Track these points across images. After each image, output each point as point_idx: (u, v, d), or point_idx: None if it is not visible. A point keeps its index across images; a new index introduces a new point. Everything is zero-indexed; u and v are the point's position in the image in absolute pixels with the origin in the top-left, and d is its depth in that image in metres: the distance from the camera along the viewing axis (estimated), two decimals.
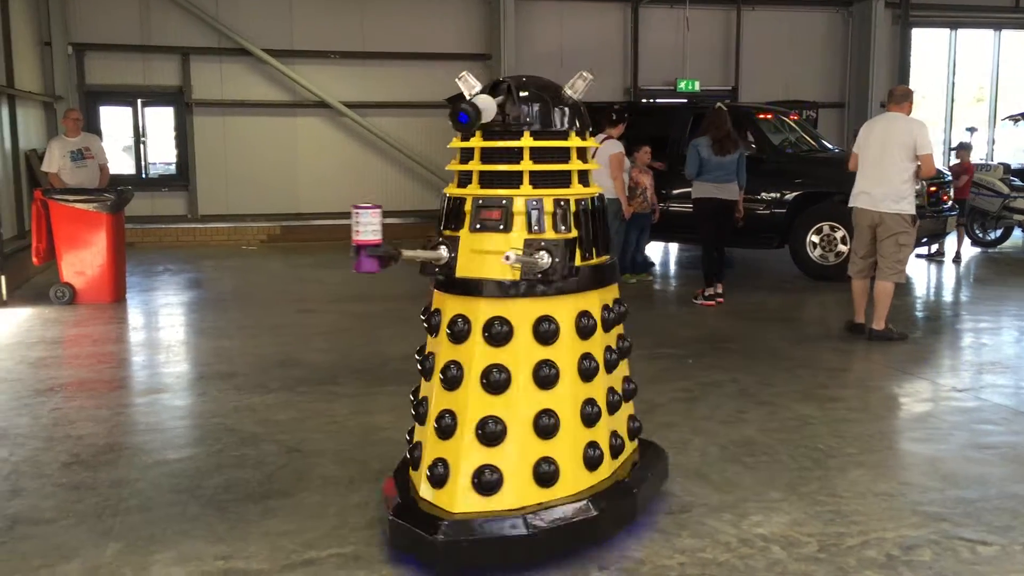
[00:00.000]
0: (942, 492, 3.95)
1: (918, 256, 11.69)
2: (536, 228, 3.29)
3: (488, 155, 3.38)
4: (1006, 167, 13.39)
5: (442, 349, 3.38)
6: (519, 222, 3.30)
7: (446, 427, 3.28)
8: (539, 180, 3.34)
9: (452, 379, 3.30)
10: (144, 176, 14.60)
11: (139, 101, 14.44)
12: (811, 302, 8.98)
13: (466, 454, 3.23)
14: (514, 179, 3.33)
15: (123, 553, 3.36)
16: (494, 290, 3.27)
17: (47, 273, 9.64)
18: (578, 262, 3.32)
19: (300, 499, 3.88)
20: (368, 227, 3.19)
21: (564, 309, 3.32)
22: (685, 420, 5.01)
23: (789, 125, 11.32)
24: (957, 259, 11.75)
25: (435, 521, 3.13)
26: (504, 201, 3.31)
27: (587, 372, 3.35)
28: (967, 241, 12.35)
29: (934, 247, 11.75)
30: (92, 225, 8.50)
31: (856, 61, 16.60)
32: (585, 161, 3.52)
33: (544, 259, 3.22)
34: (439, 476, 3.25)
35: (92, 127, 12.85)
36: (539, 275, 3.23)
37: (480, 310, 3.28)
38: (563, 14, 15.61)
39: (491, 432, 3.21)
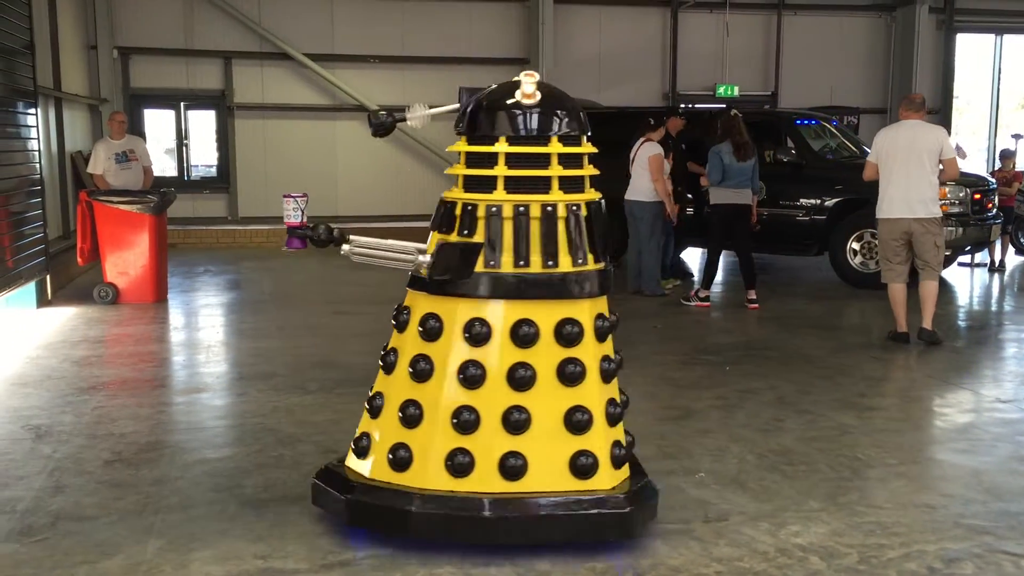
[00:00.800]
0: (985, 505, 3.89)
1: (961, 264, 11.51)
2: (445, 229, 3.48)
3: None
4: None
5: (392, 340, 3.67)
6: (455, 224, 3.45)
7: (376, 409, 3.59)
8: (470, 184, 3.46)
9: (389, 365, 3.60)
10: (186, 178, 14.80)
11: (182, 104, 14.65)
12: (851, 310, 8.88)
13: (388, 433, 3.48)
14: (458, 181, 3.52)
15: (163, 551, 3.41)
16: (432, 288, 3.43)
17: (91, 273, 9.80)
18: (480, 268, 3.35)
19: None
20: (294, 212, 3.77)
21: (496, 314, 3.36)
22: (722, 427, 4.97)
23: (830, 131, 11.21)
24: (1001, 267, 11.53)
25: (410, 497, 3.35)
26: (448, 204, 3.51)
27: (521, 381, 3.32)
28: (1011, 250, 12.13)
29: (978, 256, 11.57)
30: (136, 226, 8.63)
31: (899, 67, 16.38)
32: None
33: (420, 258, 3.39)
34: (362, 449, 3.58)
35: (136, 130, 13.05)
36: (424, 273, 3.40)
37: (418, 306, 3.50)
38: (602, 18, 15.58)
39: (411, 415, 3.40)
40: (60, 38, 11.12)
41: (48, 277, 8.72)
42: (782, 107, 15.55)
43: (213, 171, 14.96)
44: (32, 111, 8.63)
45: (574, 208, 3.42)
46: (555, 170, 3.41)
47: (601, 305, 3.52)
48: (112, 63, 13.66)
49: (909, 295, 7.14)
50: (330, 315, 8.42)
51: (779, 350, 6.95)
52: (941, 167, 6.93)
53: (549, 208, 3.36)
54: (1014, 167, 11.88)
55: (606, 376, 3.48)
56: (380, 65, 14.78)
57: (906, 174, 6.87)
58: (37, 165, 8.67)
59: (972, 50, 17.64)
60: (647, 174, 9.00)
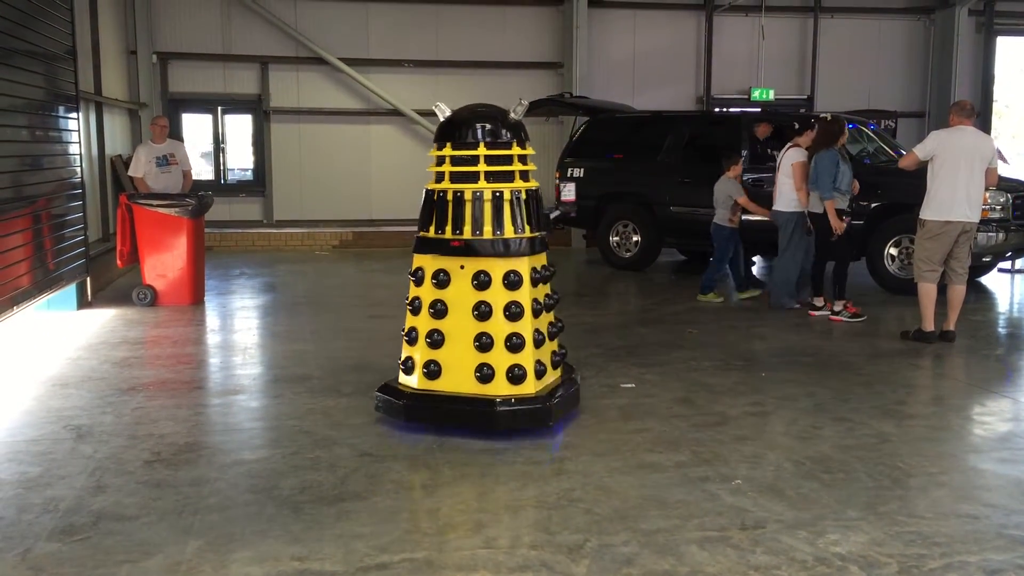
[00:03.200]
0: None
1: (1001, 271, 11.34)
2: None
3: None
4: None
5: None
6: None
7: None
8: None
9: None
10: (223, 182, 14.95)
11: (219, 108, 14.80)
12: (888, 316, 8.76)
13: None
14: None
15: (203, 550, 3.44)
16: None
17: (130, 275, 9.94)
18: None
19: (373, 502, 3.92)
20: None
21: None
22: (759, 434, 4.93)
23: (867, 135, 11.08)
24: None
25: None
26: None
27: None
28: None
29: (1019, 262, 11.37)
30: (174, 229, 8.73)
31: (937, 70, 16.17)
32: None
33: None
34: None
35: (174, 133, 13.21)
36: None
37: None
38: (636, 22, 15.54)
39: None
40: (101, 43, 11.29)
41: (88, 279, 8.85)
42: (818, 110, 15.41)
43: (249, 175, 15.10)
44: (73, 115, 8.77)
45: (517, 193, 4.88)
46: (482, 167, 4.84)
47: (537, 261, 4.97)
48: (151, 68, 13.85)
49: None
50: (365, 318, 8.46)
51: (816, 356, 6.88)
52: None
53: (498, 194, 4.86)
54: None
55: (536, 312, 4.86)
56: (414, 70, 14.84)
57: (968, 179, 7.08)
58: (78, 169, 8.80)
59: (1012, 53, 17.38)
60: (790, 181, 8.57)
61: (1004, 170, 8.60)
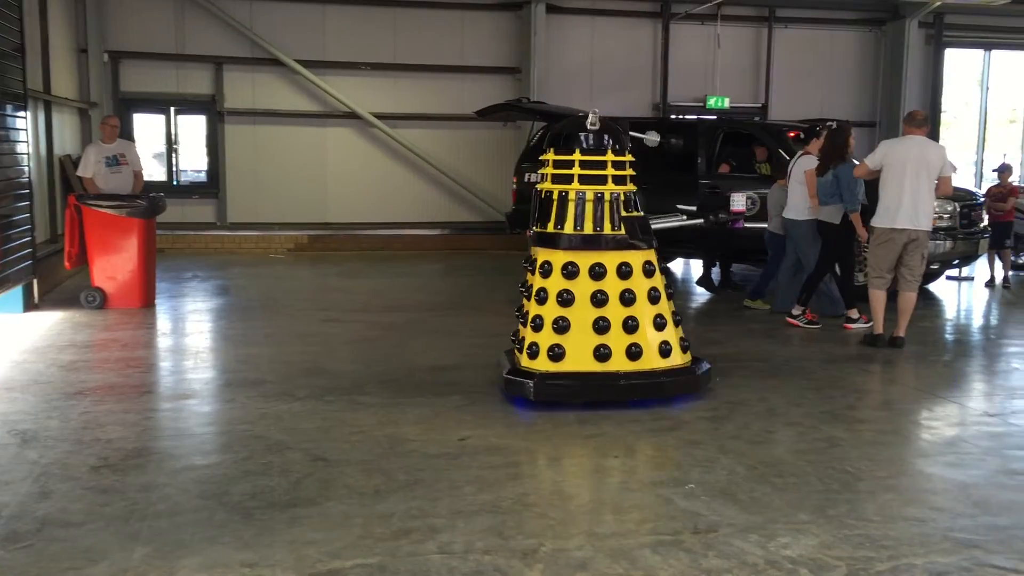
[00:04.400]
0: (974, 518, 3.89)
1: (949, 278, 11.56)
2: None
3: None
4: None
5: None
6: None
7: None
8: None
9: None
10: (175, 183, 14.74)
11: (172, 109, 14.59)
12: (840, 321, 8.88)
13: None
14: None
15: (150, 557, 3.38)
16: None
17: (78, 277, 9.75)
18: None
19: (326, 508, 3.88)
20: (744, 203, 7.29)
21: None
22: (712, 439, 4.97)
23: None
24: (1005, 284, 11.32)
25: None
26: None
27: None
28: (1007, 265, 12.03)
29: (965, 269, 11.60)
30: (124, 231, 8.59)
31: (888, 80, 16.48)
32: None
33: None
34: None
35: (125, 134, 12.99)
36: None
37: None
38: (594, 28, 15.62)
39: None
40: (50, 41, 11.09)
41: (35, 281, 8.66)
42: (772, 119, 15.62)
43: (203, 176, 14.90)
44: (21, 114, 8.58)
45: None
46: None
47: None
48: (102, 66, 13.61)
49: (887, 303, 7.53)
50: (319, 322, 8.39)
51: (768, 361, 6.96)
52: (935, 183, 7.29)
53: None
54: (1011, 182, 11.78)
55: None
56: (372, 72, 14.78)
57: (915, 187, 7.22)
58: (26, 168, 8.61)
59: (960, 65, 17.77)
60: (804, 189, 8.42)
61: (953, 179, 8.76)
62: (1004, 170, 11.78)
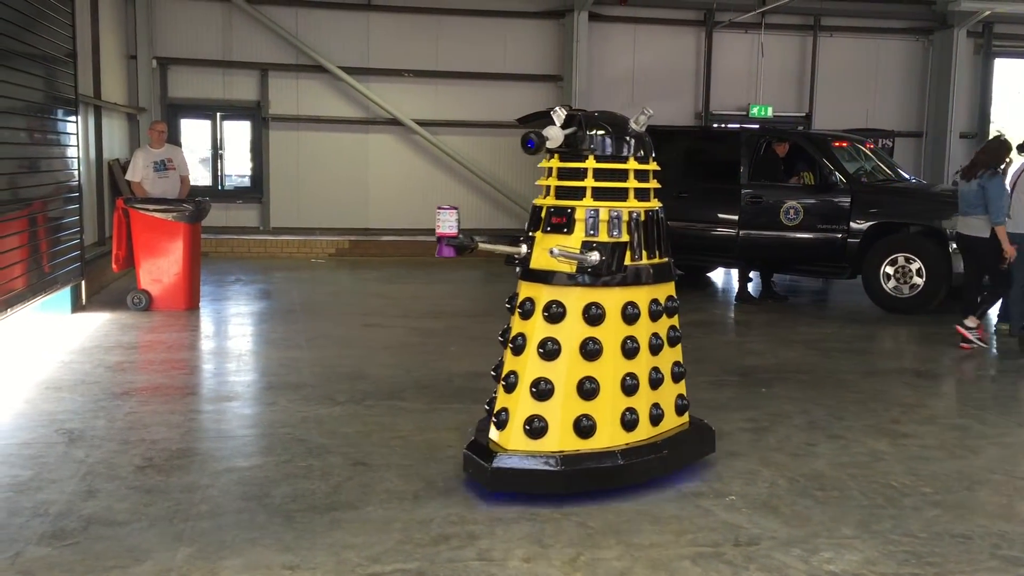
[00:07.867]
0: (1022, 536, 3.81)
1: None
2: (592, 232, 4.14)
3: (561, 174, 4.30)
4: None
5: (515, 324, 4.30)
6: (580, 227, 4.16)
7: (510, 384, 4.18)
8: (599, 194, 4.19)
9: (518, 347, 4.20)
10: (220, 188, 14.93)
11: (218, 115, 14.79)
12: (883, 334, 8.78)
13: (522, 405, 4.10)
14: (579, 193, 4.21)
15: (193, 558, 3.42)
16: (560, 280, 4.15)
17: (125, 280, 9.91)
18: (627, 262, 4.15)
19: (366, 512, 3.90)
20: (447, 222, 4.19)
21: (612, 299, 4.13)
22: (753, 450, 4.92)
23: (865, 153, 11.11)
24: None
25: (492, 454, 4.09)
26: (569, 210, 4.18)
27: (629, 351, 4.15)
28: None
29: None
30: (170, 234, 8.72)
31: (935, 90, 16.22)
32: (645, 181, 4.33)
33: (593, 257, 4.01)
34: (502, 421, 4.14)
35: (172, 139, 13.19)
36: (589, 269, 4.02)
37: (543, 294, 4.17)
38: (636, 36, 15.59)
39: (543, 390, 4.07)
40: (101, 47, 11.29)
41: (83, 283, 8.82)
42: (816, 129, 15.47)
43: (247, 181, 15.08)
44: (72, 119, 8.75)
45: (635, 214, 4.29)
46: (631, 183, 4.30)
47: (657, 291, 4.35)
48: (151, 72, 13.85)
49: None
50: (360, 327, 8.45)
51: (810, 373, 6.88)
52: None
53: (616, 213, 4.28)
54: None
55: (653, 350, 4.30)
56: (414, 79, 14.86)
57: None
58: (75, 172, 8.78)
59: (1011, 75, 17.45)
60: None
61: None
62: None
